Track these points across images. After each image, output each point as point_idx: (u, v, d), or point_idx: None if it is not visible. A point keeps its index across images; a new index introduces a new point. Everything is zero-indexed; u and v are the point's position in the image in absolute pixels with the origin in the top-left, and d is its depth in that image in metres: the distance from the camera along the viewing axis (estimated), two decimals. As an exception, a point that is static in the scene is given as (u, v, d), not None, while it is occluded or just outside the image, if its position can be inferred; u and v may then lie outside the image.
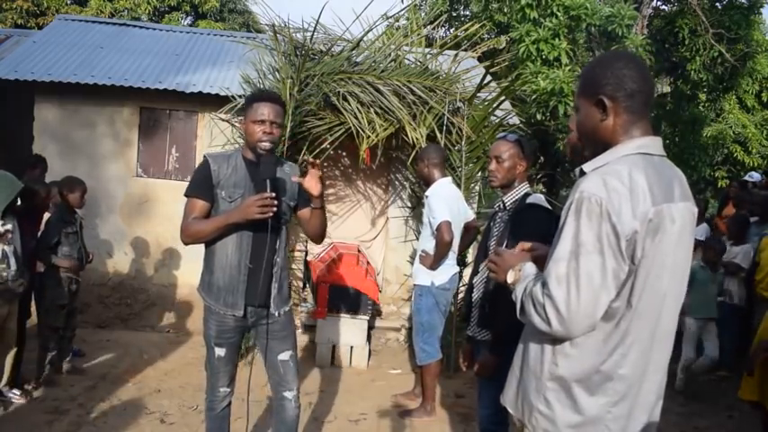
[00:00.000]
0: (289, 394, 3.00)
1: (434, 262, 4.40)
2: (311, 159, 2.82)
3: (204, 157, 2.94)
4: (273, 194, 2.68)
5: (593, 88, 1.72)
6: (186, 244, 2.94)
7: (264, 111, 2.81)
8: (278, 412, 3.04)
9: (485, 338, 2.92)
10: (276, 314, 2.93)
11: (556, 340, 1.65)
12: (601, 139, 1.73)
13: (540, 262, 1.80)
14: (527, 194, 2.93)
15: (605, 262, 1.55)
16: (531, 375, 1.74)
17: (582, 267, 1.55)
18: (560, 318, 1.57)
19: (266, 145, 2.82)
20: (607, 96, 1.69)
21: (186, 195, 2.92)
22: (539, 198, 2.91)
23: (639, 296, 1.61)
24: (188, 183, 2.94)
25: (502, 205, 2.96)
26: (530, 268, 1.78)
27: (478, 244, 3.18)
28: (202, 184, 2.86)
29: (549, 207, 2.90)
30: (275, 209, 2.69)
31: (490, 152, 2.99)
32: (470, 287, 3.07)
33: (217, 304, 2.87)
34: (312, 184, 2.79)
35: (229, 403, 3.07)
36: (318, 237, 3.06)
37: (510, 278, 1.80)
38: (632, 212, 1.55)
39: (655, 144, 1.70)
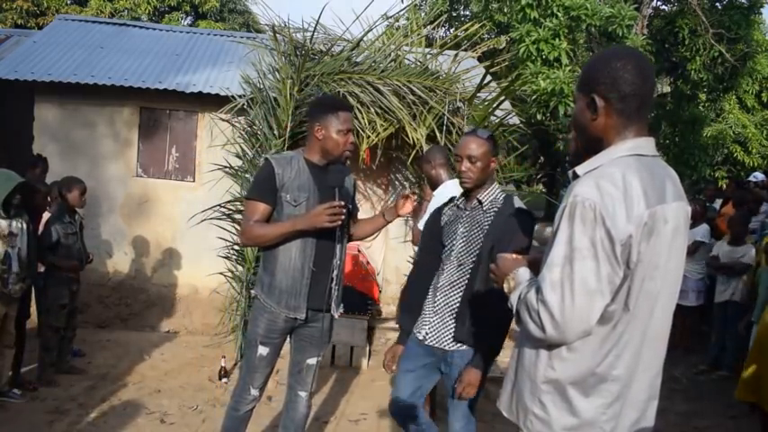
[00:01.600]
0: (303, 393, 3.06)
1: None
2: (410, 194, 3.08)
3: (267, 159, 2.92)
4: (343, 203, 2.71)
5: (588, 85, 1.69)
6: (245, 246, 2.99)
7: (348, 119, 2.88)
8: (289, 409, 3.09)
9: (455, 349, 2.71)
10: (336, 315, 3.01)
11: (552, 345, 1.64)
12: (591, 137, 1.72)
13: (535, 266, 1.80)
14: (508, 195, 2.81)
15: (600, 267, 1.54)
16: (525, 378, 1.72)
17: (576, 272, 1.54)
18: (554, 323, 1.55)
19: (350, 154, 2.94)
20: (599, 96, 1.66)
21: (248, 198, 2.91)
22: (519, 201, 2.80)
23: (636, 299, 1.60)
24: (250, 184, 2.93)
25: (477, 203, 2.76)
26: (523, 274, 1.76)
27: (424, 242, 3.03)
28: (267, 188, 2.84)
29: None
30: (344, 217, 2.73)
31: (459, 150, 2.75)
32: (416, 285, 2.89)
33: (278, 307, 2.88)
34: (407, 208, 3.04)
35: (253, 408, 3.06)
36: (359, 239, 3.34)
37: (506, 287, 1.79)
38: (627, 217, 1.53)
39: (648, 145, 1.68)
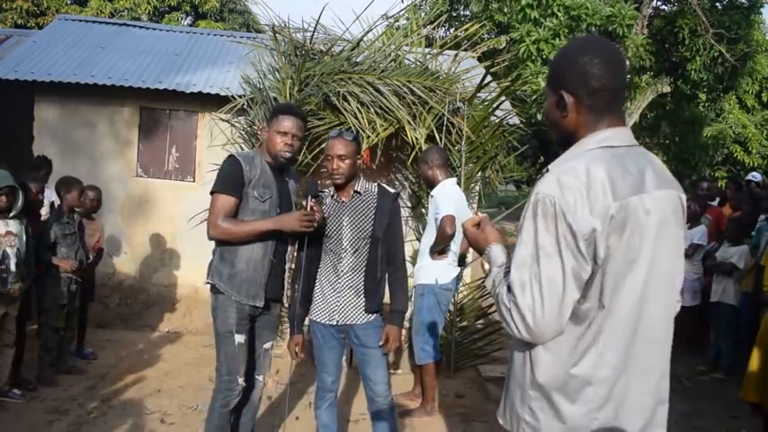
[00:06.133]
0: (260, 378, 3.30)
1: (431, 251, 4.45)
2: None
3: (232, 156, 3.08)
4: (316, 209, 2.94)
5: (556, 82, 1.65)
6: (213, 239, 3.07)
7: (288, 124, 3.07)
8: (247, 393, 3.25)
9: (366, 321, 3.11)
10: (286, 304, 3.25)
11: (531, 348, 1.61)
12: (564, 133, 1.68)
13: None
14: (379, 184, 3.26)
15: (564, 263, 1.50)
16: (515, 386, 1.69)
17: (543, 272, 1.51)
18: (526, 325, 1.53)
19: (287, 155, 3.11)
20: (568, 92, 1.62)
21: (217, 191, 3.02)
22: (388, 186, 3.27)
23: (611, 296, 1.54)
24: (217, 179, 3.04)
25: (355, 194, 3.13)
26: (496, 254, 1.73)
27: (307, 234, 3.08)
28: (236, 182, 3.00)
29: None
30: (316, 224, 2.95)
31: (331, 151, 3.06)
32: (308, 277, 3.13)
33: (239, 295, 3.04)
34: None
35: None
36: None
37: (486, 265, 1.77)
38: (590, 210, 1.49)
39: (619, 135, 1.62)
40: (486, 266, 1.75)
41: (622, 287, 1.54)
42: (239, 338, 3.06)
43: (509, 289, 1.57)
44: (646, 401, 1.64)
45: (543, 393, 1.61)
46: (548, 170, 1.64)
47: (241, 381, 3.10)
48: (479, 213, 1.90)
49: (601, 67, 1.59)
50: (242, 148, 5.68)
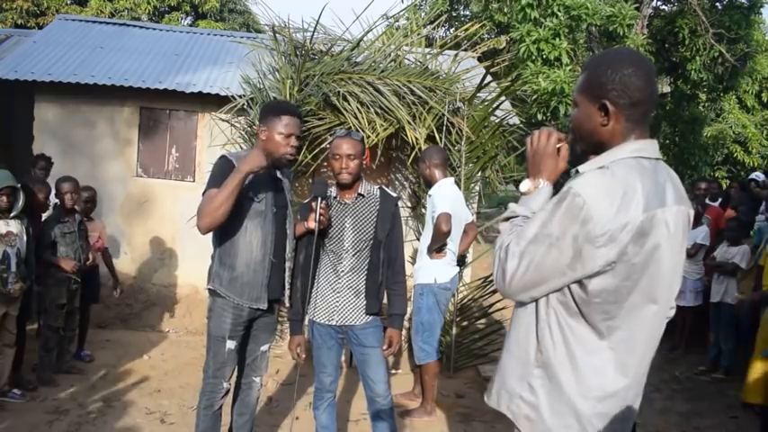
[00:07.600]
0: (257, 379, 3.31)
1: (429, 249, 4.48)
2: None
3: (224, 155, 3.04)
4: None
5: (598, 90, 1.67)
6: (204, 230, 2.89)
7: (291, 124, 3.01)
8: (244, 394, 3.29)
9: (365, 322, 3.11)
10: (287, 304, 3.19)
11: (540, 327, 1.66)
12: (597, 141, 1.71)
13: None
14: (381, 187, 3.24)
15: (561, 258, 1.56)
16: (513, 361, 1.72)
17: (537, 254, 1.58)
18: (504, 281, 1.64)
19: (291, 157, 3.07)
20: (611, 102, 1.65)
21: (205, 190, 2.92)
22: (389, 190, 3.26)
23: (632, 299, 1.59)
24: (210, 179, 2.96)
25: (359, 196, 3.13)
26: (536, 197, 1.75)
27: (307, 235, 3.09)
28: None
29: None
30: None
31: (339, 150, 3.05)
32: (310, 278, 3.08)
33: (241, 299, 3.01)
34: (309, 223, 3.05)
35: (224, 402, 3.17)
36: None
37: (524, 188, 1.80)
38: (615, 217, 1.53)
39: (649, 147, 1.67)
40: (518, 204, 1.78)
41: (641, 294, 1.60)
42: (231, 344, 3.05)
43: (508, 248, 1.65)
44: (630, 396, 1.70)
45: (548, 373, 1.65)
46: (577, 171, 1.68)
47: (226, 384, 3.11)
48: (563, 141, 1.81)
49: (644, 79, 1.64)
50: (242, 149, 5.68)
